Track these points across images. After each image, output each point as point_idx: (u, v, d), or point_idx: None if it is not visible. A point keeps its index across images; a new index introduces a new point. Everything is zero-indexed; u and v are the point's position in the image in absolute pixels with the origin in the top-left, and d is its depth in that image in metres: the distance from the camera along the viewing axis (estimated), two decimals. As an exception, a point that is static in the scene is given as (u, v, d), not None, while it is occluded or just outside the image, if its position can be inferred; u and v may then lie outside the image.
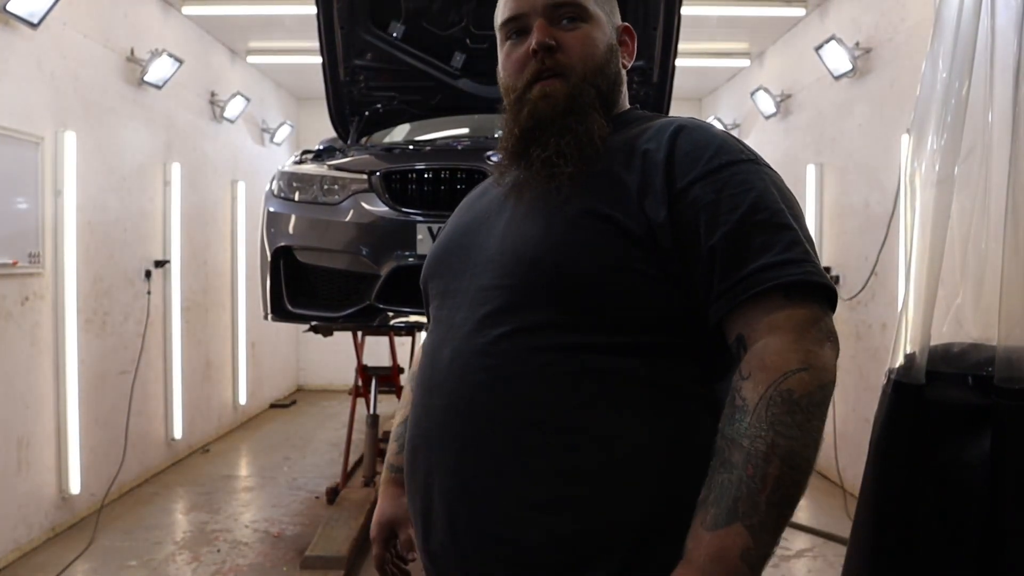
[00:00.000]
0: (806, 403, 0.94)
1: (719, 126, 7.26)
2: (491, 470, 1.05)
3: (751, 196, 1.04)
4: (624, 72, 1.28)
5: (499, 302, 1.10)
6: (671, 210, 1.05)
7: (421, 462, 1.14)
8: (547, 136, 1.16)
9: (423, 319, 3.58)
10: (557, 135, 1.15)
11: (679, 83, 4.34)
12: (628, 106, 1.29)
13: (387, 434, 4.72)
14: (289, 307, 3.50)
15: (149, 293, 5.10)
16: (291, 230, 3.48)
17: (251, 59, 6.74)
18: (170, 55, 4.98)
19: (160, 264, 5.26)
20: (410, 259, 3.31)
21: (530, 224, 1.13)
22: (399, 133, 4.65)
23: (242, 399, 6.80)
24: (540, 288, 1.08)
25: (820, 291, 1.01)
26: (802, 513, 4.48)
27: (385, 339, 5.64)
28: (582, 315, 1.06)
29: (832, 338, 1.01)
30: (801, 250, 1.02)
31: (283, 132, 7.53)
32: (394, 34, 4.07)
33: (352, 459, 4.88)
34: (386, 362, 5.59)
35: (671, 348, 1.07)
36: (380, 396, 4.87)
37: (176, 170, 5.45)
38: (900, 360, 1.58)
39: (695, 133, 1.12)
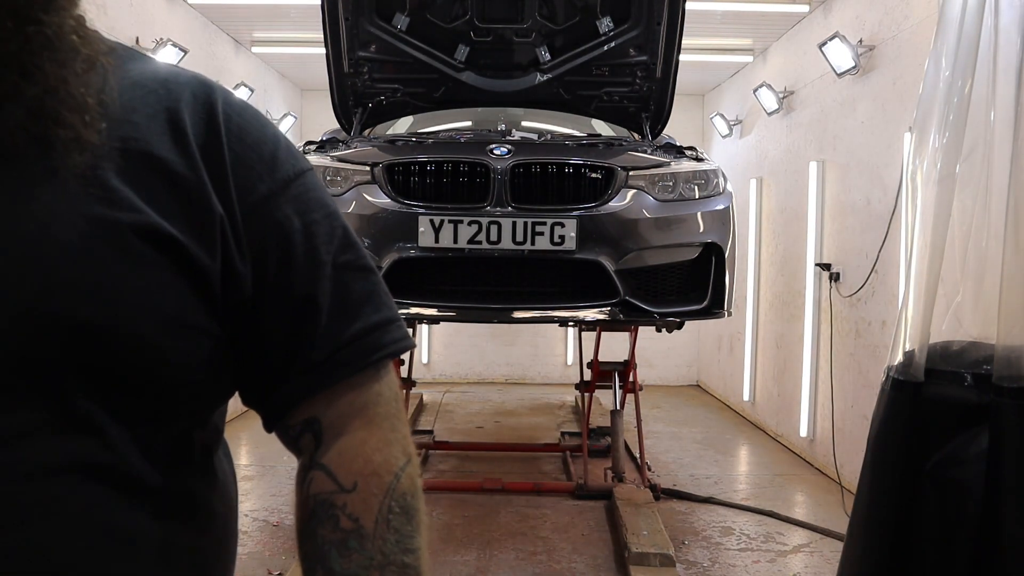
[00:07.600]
0: (418, 503, 0.75)
1: (722, 122, 7.19)
2: None
3: (337, 226, 0.76)
4: None
5: None
6: (248, 235, 0.70)
7: None
8: None
9: (425, 311, 3.62)
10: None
11: (682, 78, 4.34)
12: None
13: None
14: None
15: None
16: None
17: (255, 49, 6.74)
18: (175, 44, 4.97)
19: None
20: (411, 251, 3.32)
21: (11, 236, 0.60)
22: (402, 125, 4.66)
23: (242, 389, 6.80)
24: (41, 360, 0.61)
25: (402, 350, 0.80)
26: (799, 508, 4.50)
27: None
28: (115, 408, 0.65)
29: None
30: (392, 301, 0.80)
31: (287, 123, 7.53)
32: (398, 26, 4.08)
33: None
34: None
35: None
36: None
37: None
38: (899, 357, 1.59)
39: (245, 112, 0.74)
